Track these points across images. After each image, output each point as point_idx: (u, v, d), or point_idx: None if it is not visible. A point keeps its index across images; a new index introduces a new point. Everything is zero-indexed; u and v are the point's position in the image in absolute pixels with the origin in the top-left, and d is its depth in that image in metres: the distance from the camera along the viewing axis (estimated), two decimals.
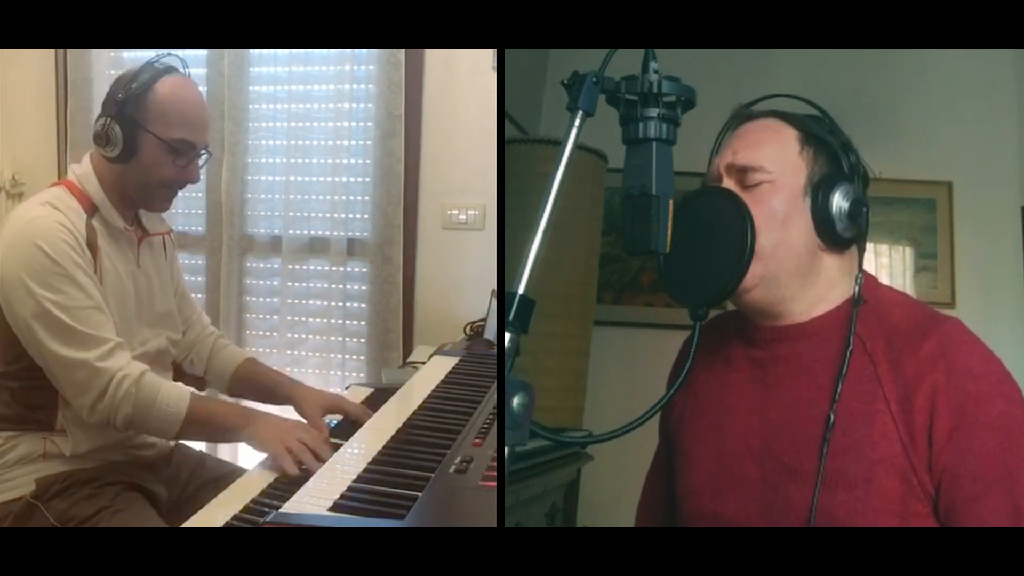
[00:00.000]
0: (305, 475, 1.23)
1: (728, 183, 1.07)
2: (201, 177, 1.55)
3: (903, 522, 0.96)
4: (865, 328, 1.03)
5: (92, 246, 1.41)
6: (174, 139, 1.44)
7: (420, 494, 1.11)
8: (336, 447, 1.36)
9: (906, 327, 1.02)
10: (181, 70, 1.50)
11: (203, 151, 1.51)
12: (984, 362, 0.98)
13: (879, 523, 0.96)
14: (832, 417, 0.99)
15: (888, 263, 2.78)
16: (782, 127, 1.08)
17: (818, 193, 1.04)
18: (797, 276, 1.05)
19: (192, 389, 1.44)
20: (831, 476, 0.98)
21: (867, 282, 1.07)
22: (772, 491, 1.03)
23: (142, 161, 1.45)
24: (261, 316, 2.76)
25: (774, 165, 1.05)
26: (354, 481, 1.18)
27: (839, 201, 1.03)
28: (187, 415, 1.38)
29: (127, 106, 1.43)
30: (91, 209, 1.45)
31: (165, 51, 1.50)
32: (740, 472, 1.07)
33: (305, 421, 1.53)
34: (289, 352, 2.69)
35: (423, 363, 2.01)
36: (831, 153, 1.07)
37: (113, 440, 1.45)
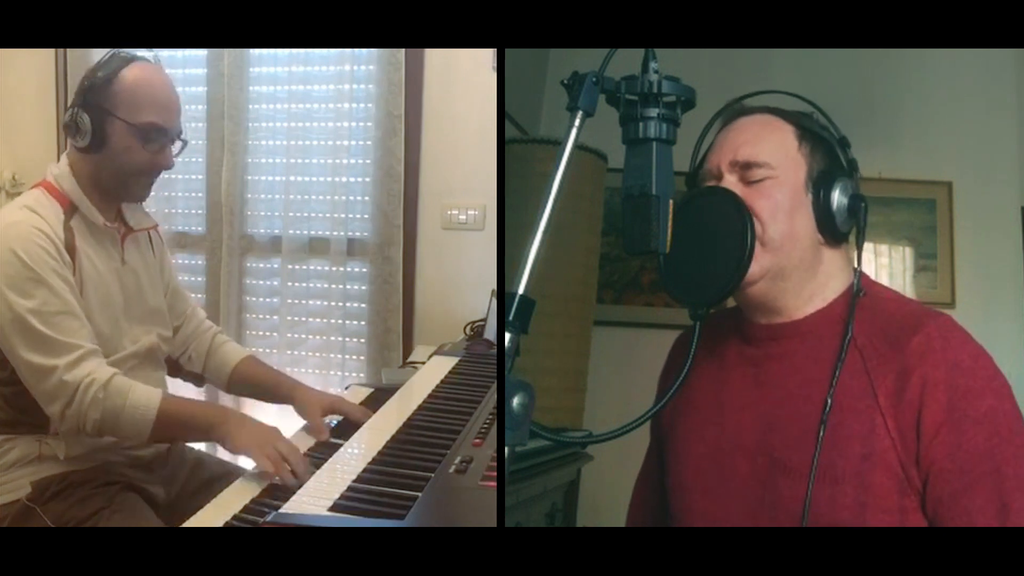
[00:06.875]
0: (286, 482, 1.22)
1: (729, 180, 1.07)
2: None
3: (891, 516, 0.96)
4: (857, 324, 1.03)
5: (71, 248, 1.40)
6: (143, 123, 1.43)
7: (420, 494, 1.11)
8: (335, 447, 1.36)
9: (896, 322, 1.02)
10: (149, 59, 1.49)
11: (177, 138, 1.49)
12: (974, 357, 0.98)
13: (865, 518, 0.96)
14: (829, 402, 0.99)
15: (888, 263, 2.78)
16: (778, 122, 1.09)
17: (819, 188, 1.05)
18: (800, 269, 1.06)
19: (162, 391, 1.42)
20: (818, 471, 0.98)
21: (862, 279, 1.07)
22: (761, 487, 1.04)
23: (113, 149, 1.43)
24: (261, 316, 2.76)
25: (776, 160, 1.05)
26: (354, 481, 1.18)
27: (839, 196, 1.05)
28: (159, 416, 1.35)
29: (93, 93, 1.42)
30: (70, 209, 1.44)
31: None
32: (731, 468, 1.08)
33: (304, 421, 1.54)
34: (289, 352, 2.69)
35: (423, 363, 2.01)
36: (827, 148, 1.08)
37: (108, 441, 1.44)
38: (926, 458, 0.95)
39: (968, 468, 0.95)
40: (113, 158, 1.44)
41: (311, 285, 2.69)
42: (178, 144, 1.50)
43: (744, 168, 1.06)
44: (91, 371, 1.33)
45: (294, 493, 1.15)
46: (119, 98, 1.43)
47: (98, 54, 2.66)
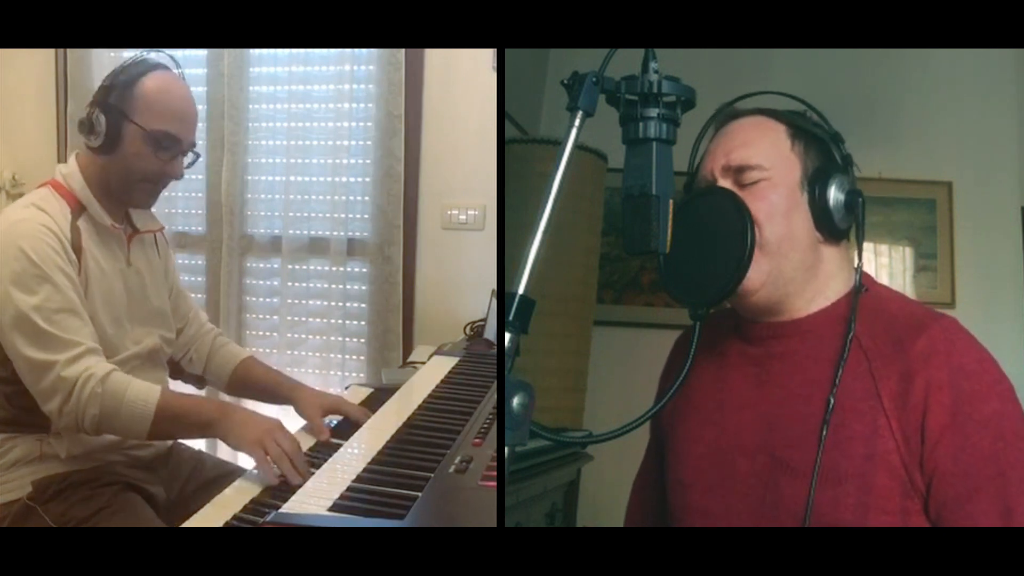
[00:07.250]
0: (284, 482, 1.22)
1: (724, 184, 1.06)
2: (190, 176, 1.55)
3: (893, 518, 0.96)
4: (860, 324, 1.03)
5: (77, 247, 1.40)
6: (157, 131, 1.44)
7: (420, 494, 1.11)
8: (335, 448, 1.36)
9: (901, 324, 1.02)
10: (173, 68, 1.50)
11: (189, 149, 1.50)
12: (978, 360, 0.98)
13: (867, 519, 0.96)
14: (832, 401, 0.98)
15: (888, 263, 2.78)
16: (770, 123, 1.09)
17: (815, 186, 1.05)
18: (800, 270, 1.05)
19: (161, 387, 1.42)
20: (820, 471, 0.98)
21: (864, 277, 1.07)
22: (762, 486, 1.03)
23: (124, 152, 1.44)
24: (261, 316, 2.76)
25: (769, 161, 1.05)
26: (354, 481, 1.18)
27: (835, 193, 1.05)
28: (157, 411, 1.33)
29: (112, 95, 1.43)
30: (78, 209, 1.45)
31: (166, 51, 1.51)
32: (731, 467, 1.07)
33: (304, 421, 1.54)
34: (289, 352, 2.69)
35: (423, 363, 2.01)
36: (821, 146, 1.08)
37: (108, 441, 1.44)
38: (930, 461, 0.95)
39: (972, 472, 0.94)
40: (123, 162, 1.45)
41: (311, 285, 2.69)
42: (190, 156, 1.51)
43: (737, 172, 1.06)
44: (89, 366, 1.33)
45: (294, 493, 1.15)
46: (137, 103, 1.43)
47: (98, 54, 2.71)
